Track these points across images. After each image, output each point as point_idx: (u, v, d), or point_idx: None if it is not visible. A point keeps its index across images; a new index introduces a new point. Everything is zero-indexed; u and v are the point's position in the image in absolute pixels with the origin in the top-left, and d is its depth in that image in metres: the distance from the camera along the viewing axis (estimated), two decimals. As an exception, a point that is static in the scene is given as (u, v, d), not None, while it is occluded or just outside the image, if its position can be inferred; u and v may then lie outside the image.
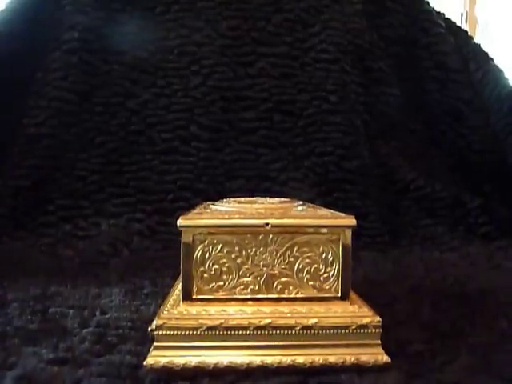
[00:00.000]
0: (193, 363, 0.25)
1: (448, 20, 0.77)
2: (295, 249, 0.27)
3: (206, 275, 0.27)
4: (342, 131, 0.65)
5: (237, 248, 0.27)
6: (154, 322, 0.26)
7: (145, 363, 0.25)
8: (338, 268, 0.28)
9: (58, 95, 0.62)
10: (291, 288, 0.27)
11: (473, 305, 0.37)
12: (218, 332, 0.26)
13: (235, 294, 0.27)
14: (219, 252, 0.27)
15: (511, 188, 0.65)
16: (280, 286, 0.27)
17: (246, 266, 0.27)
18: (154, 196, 0.61)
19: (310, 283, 0.28)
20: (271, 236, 0.27)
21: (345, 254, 0.28)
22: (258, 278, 0.27)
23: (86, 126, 0.63)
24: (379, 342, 0.27)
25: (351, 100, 0.67)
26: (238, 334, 0.26)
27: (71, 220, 0.58)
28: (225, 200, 0.36)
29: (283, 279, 0.27)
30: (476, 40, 0.78)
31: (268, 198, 0.36)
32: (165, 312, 0.27)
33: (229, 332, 0.26)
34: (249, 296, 0.27)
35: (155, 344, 0.26)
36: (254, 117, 0.65)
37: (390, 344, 0.27)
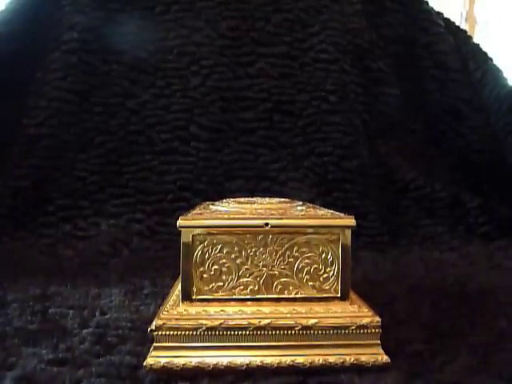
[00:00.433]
0: (193, 363, 0.25)
1: (447, 19, 0.77)
2: (295, 249, 0.27)
3: (205, 275, 0.27)
4: (342, 131, 0.65)
5: (236, 248, 0.27)
6: (154, 323, 0.26)
7: (144, 363, 0.25)
8: (338, 268, 0.28)
9: (57, 95, 0.62)
10: (291, 288, 0.27)
11: (473, 305, 0.37)
12: (217, 332, 0.26)
13: (235, 294, 0.27)
14: (219, 252, 0.27)
15: (511, 188, 0.65)
16: (280, 287, 0.27)
17: (246, 267, 0.27)
18: (153, 196, 0.61)
19: (310, 283, 0.28)
20: (271, 236, 0.27)
21: (344, 254, 0.28)
22: (258, 279, 0.27)
23: (85, 126, 0.63)
24: (379, 342, 0.27)
25: (351, 100, 0.67)
26: (237, 334, 0.26)
27: (71, 220, 0.58)
28: (224, 200, 0.36)
29: (283, 279, 0.27)
30: (475, 40, 0.78)
31: (267, 199, 0.36)
32: (164, 312, 0.27)
33: (228, 332, 0.26)
34: (248, 296, 0.27)
35: (155, 344, 0.26)
36: (254, 117, 0.65)
37: (390, 344, 0.27)
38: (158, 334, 0.26)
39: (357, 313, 0.27)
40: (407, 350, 0.28)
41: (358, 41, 0.70)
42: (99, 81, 0.64)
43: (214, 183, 0.62)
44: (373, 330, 0.26)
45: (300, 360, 0.26)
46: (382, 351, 0.26)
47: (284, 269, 0.27)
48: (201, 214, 0.30)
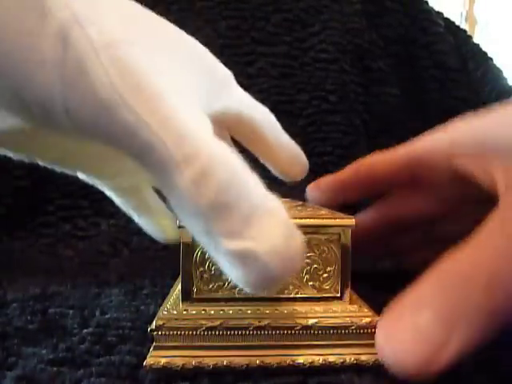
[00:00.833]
0: (193, 363, 0.25)
1: (447, 19, 0.77)
2: (295, 249, 0.27)
3: (205, 275, 0.27)
4: (342, 131, 0.65)
5: (236, 248, 0.27)
6: (154, 323, 0.26)
7: (145, 363, 0.25)
8: (338, 268, 0.28)
9: (57, 95, 0.62)
10: (291, 288, 0.27)
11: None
12: (217, 332, 0.26)
13: (235, 294, 0.27)
14: (219, 252, 0.27)
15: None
16: (279, 286, 0.27)
17: (246, 266, 0.27)
18: (153, 196, 0.61)
19: (310, 283, 0.28)
20: (271, 236, 0.27)
21: (344, 254, 0.28)
22: (258, 278, 0.27)
23: (85, 125, 0.63)
24: (379, 341, 0.27)
25: (351, 99, 0.67)
26: (237, 334, 0.26)
27: (71, 220, 0.58)
28: (224, 200, 0.36)
29: (283, 279, 0.27)
30: (475, 39, 0.78)
31: (267, 198, 0.35)
32: (164, 312, 0.26)
33: (228, 332, 0.26)
34: (248, 296, 0.27)
35: (155, 344, 0.26)
36: (254, 117, 0.65)
37: (390, 344, 0.27)
38: (157, 334, 0.26)
39: (357, 313, 0.27)
40: (407, 349, 0.28)
41: (357, 40, 0.70)
42: (99, 80, 0.64)
43: (213, 183, 0.62)
44: (373, 330, 0.26)
45: (300, 360, 0.25)
46: (382, 351, 0.26)
47: (284, 269, 0.27)
48: (201, 213, 0.29)
